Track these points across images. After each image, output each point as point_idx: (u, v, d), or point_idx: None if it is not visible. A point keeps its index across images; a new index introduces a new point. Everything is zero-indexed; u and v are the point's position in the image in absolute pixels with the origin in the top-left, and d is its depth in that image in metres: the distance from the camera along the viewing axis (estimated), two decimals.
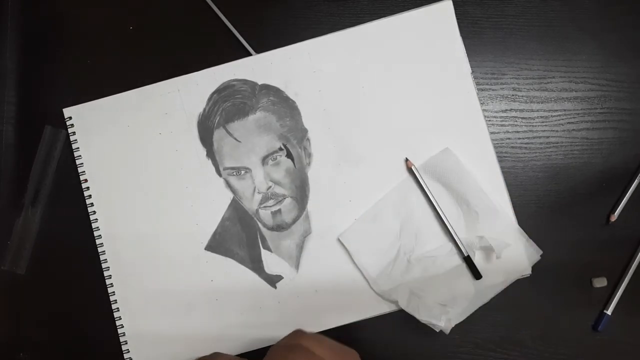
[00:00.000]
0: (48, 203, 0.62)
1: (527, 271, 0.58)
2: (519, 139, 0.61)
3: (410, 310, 0.56)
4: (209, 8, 0.63)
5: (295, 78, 0.61)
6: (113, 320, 0.60)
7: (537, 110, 0.61)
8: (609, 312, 0.58)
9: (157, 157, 0.61)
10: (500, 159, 0.60)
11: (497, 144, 0.61)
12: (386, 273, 0.58)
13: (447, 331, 0.56)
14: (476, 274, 0.58)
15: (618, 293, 0.59)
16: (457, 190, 0.59)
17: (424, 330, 0.56)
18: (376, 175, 0.60)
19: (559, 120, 0.61)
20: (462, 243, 0.58)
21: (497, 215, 0.58)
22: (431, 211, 0.59)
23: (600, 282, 0.59)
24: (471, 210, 0.58)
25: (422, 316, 0.56)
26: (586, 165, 0.61)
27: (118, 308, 0.60)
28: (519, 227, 0.59)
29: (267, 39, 0.62)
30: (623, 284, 0.59)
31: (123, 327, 0.60)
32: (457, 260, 0.59)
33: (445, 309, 0.56)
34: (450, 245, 0.59)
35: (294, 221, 0.60)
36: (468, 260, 0.58)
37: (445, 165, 0.59)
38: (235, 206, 0.60)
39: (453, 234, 0.58)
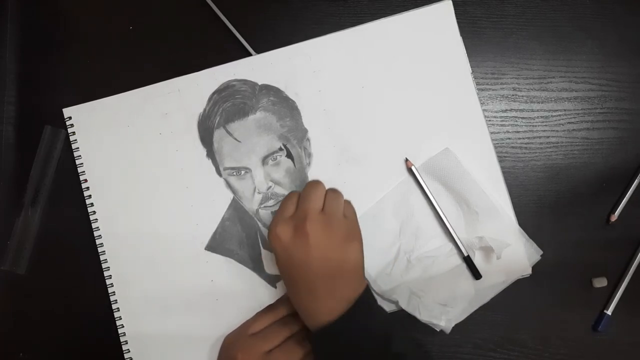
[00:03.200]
0: (48, 203, 0.62)
1: (527, 271, 0.58)
2: (519, 139, 0.61)
3: (410, 310, 0.56)
4: (209, 8, 0.63)
5: (296, 78, 0.61)
6: (113, 320, 0.60)
7: (537, 110, 0.62)
8: (609, 312, 0.58)
9: (157, 158, 0.61)
10: (501, 159, 0.60)
11: (497, 144, 0.61)
12: (386, 273, 0.58)
13: (448, 331, 0.56)
14: (476, 274, 0.58)
15: (618, 293, 0.59)
16: (457, 190, 0.59)
17: (424, 330, 0.56)
18: (376, 175, 0.60)
19: (559, 120, 0.61)
20: (462, 243, 0.58)
21: (497, 215, 0.58)
22: (431, 211, 0.59)
23: (600, 282, 0.59)
24: (471, 210, 0.58)
25: (423, 316, 0.56)
26: (586, 165, 0.61)
27: (118, 308, 0.60)
28: (519, 227, 0.59)
29: (267, 39, 0.62)
30: (623, 284, 0.59)
31: (123, 327, 0.60)
32: (457, 260, 0.59)
33: (445, 309, 0.57)
34: (450, 245, 0.59)
35: None
36: (468, 261, 0.58)
37: (445, 165, 0.59)
38: (236, 206, 0.60)
39: (453, 234, 0.58)
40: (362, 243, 0.53)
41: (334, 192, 0.53)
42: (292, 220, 0.51)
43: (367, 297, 0.51)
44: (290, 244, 0.50)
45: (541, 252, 0.58)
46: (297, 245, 0.50)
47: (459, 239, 0.58)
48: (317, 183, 0.53)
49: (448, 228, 0.58)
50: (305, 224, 0.50)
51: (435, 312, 0.56)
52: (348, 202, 0.54)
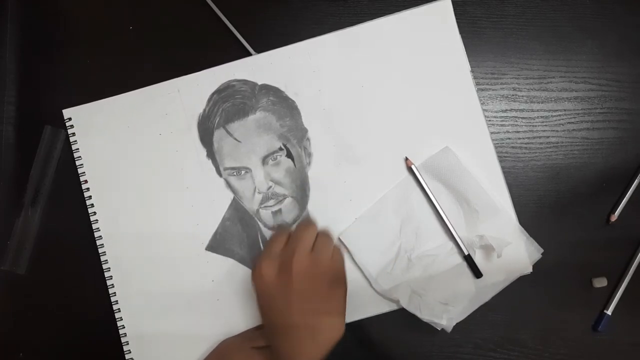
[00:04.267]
0: (48, 203, 0.62)
1: (528, 269, 0.58)
2: (519, 139, 0.61)
3: (411, 309, 0.56)
4: (209, 8, 0.63)
5: (295, 78, 0.61)
6: (114, 320, 0.60)
7: (537, 110, 0.62)
8: (609, 312, 0.58)
9: (157, 158, 0.61)
10: (501, 159, 0.60)
11: (497, 144, 0.61)
12: (387, 272, 0.58)
13: (449, 329, 0.56)
14: (477, 273, 0.58)
15: (618, 293, 0.59)
16: (457, 188, 0.59)
17: (425, 329, 0.56)
18: (376, 174, 0.60)
19: (559, 120, 0.61)
20: (462, 242, 0.58)
21: (498, 213, 0.58)
22: (431, 210, 0.59)
23: (600, 282, 0.59)
24: (471, 208, 0.58)
25: (424, 315, 0.56)
26: (586, 165, 0.61)
27: (119, 308, 0.60)
28: (519, 225, 0.59)
29: (267, 39, 0.62)
30: (623, 284, 0.59)
31: (124, 327, 0.60)
32: (458, 259, 0.59)
33: (446, 308, 0.57)
34: (451, 244, 0.59)
35: (295, 221, 0.60)
36: (469, 259, 0.58)
37: (445, 164, 0.59)
38: (236, 206, 0.60)
39: (453, 232, 0.58)
40: (346, 290, 0.52)
41: (325, 235, 0.52)
42: (279, 258, 0.50)
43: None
44: (273, 283, 0.49)
45: (542, 250, 0.58)
46: (280, 285, 0.49)
47: (459, 237, 0.58)
48: (309, 223, 0.52)
49: (448, 227, 0.58)
50: (291, 263, 0.48)
51: (437, 310, 0.56)
52: (338, 248, 0.53)
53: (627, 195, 0.60)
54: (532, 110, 0.62)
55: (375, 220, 0.59)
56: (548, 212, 0.60)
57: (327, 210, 0.60)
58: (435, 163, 0.59)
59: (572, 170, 0.61)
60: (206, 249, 0.60)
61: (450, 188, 0.59)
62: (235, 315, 0.59)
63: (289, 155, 0.60)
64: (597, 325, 0.59)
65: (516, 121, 0.61)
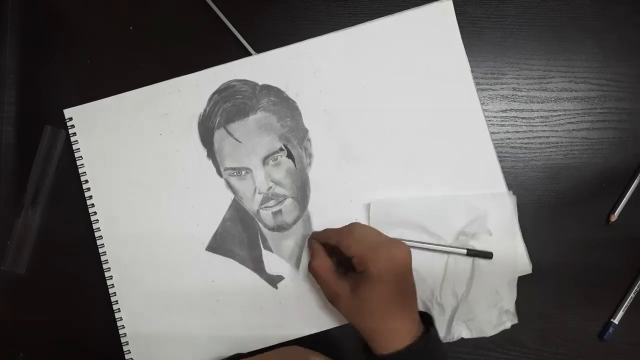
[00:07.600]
0: (48, 203, 0.62)
1: (528, 269, 0.58)
2: (519, 139, 0.61)
3: (476, 334, 0.57)
4: (209, 8, 0.63)
5: (296, 78, 0.61)
6: (114, 320, 0.60)
7: (537, 110, 0.62)
8: (615, 321, 0.58)
9: (158, 158, 0.61)
10: (501, 159, 0.60)
11: (497, 144, 0.61)
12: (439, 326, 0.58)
13: (515, 321, 0.57)
14: (486, 255, 0.57)
15: (626, 302, 0.59)
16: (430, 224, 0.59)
17: None
18: (376, 175, 0.60)
19: (559, 120, 0.61)
20: (455, 249, 0.58)
21: (488, 218, 0.58)
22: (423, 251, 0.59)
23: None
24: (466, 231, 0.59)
25: (490, 332, 0.57)
26: (586, 165, 0.61)
27: (119, 308, 0.60)
28: (516, 226, 0.59)
29: (267, 39, 0.62)
30: (632, 293, 0.59)
31: (124, 327, 0.60)
32: (467, 266, 0.58)
33: (500, 309, 0.57)
34: (453, 259, 0.59)
35: (295, 221, 0.60)
36: (471, 252, 0.58)
37: (395, 213, 0.59)
38: (236, 207, 0.60)
39: (448, 249, 0.58)
40: None
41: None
42: (386, 242, 0.53)
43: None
44: (398, 262, 0.51)
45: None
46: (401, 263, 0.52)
47: (451, 248, 0.58)
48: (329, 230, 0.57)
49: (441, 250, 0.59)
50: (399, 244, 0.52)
51: (496, 320, 0.57)
52: None
53: (627, 195, 0.60)
54: (532, 110, 0.62)
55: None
56: (548, 212, 0.60)
57: (328, 211, 0.60)
58: (385, 215, 0.59)
59: (572, 170, 0.61)
60: (206, 249, 0.60)
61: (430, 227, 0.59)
62: (235, 316, 0.59)
63: (290, 155, 0.60)
64: (603, 334, 0.59)
65: (516, 121, 0.61)
